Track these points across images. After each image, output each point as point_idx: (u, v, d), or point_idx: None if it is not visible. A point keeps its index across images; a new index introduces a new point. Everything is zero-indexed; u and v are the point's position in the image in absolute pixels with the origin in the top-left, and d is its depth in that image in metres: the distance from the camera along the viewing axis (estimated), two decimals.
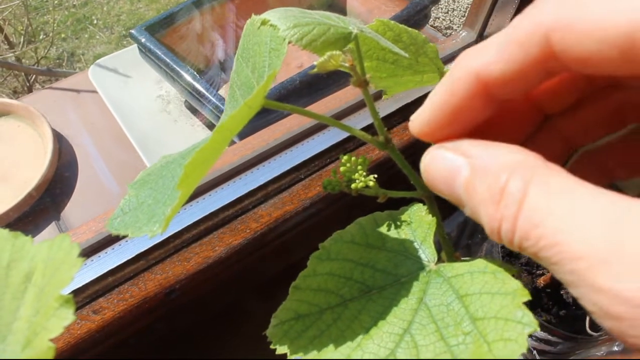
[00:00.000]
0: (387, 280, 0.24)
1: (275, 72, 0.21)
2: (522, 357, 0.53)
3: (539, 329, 0.21)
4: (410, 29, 0.28)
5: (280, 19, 0.23)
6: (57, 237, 0.22)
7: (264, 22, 0.23)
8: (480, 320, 0.20)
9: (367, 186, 0.25)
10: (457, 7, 0.97)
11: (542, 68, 0.16)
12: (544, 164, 0.17)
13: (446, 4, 0.98)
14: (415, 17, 0.79)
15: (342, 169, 0.26)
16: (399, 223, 0.26)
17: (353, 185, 0.25)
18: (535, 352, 0.51)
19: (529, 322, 0.19)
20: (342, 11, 0.95)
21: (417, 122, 0.21)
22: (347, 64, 0.23)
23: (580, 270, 0.14)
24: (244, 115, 0.20)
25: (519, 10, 0.58)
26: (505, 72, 0.17)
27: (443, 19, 1.01)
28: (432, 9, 0.86)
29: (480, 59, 0.17)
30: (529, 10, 0.16)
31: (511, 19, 0.59)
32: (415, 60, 0.28)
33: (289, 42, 0.23)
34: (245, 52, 0.25)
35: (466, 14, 0.65)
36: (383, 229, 0.26)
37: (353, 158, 0.26)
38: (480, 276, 0.21)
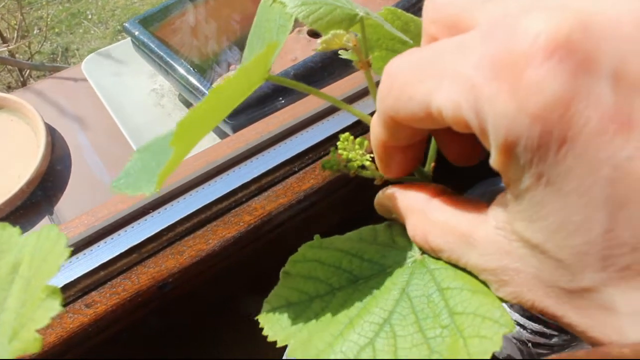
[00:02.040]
0: (373, 270, 0.24)
1: (278, 44, 0.22)
2: (517, 349, 0.53)
3: (514, 330, 0.22)
4: (417, 18, 0.28)
5: None
6: (44, 228, 0.22)
7: (274, 0, 0.24)
8: (458, 314, 0.21)
9: (363, 167, 0.25)
10: None
11: (405, 130, 0.21)
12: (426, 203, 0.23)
13: None
14: (410, 10, 0.79)
15: (339, 145, 0.26)
16: (393, 226, 0.26)
17: (350, 164, 0.25)
18: (530, 344, 0.51)
19: (506, 323, 0.19)
20: None
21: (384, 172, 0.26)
22: (350, 44, 0.24)
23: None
24: (243, 82, 0.20)
25: None
26: (388, 137, 0.22)
27: None
28: None
29: (373, 131, 0.23)
30: (378, 96, 0.21)
31: None
32: None
33: (296, 19, 0.23)
34: (257, 29, 0.26)
35: None
36: (379, 231, 0.26)
37: (351, 137, 0.26)
38: (463, 274, 0.22)
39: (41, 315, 0.19)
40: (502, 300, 0.20)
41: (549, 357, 0.17)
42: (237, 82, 0.20)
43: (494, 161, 0.17)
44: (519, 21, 0.15)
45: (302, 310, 0.24)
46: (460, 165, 0.24)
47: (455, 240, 0.21)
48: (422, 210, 0.22)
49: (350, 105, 0.27)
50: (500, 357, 0.53)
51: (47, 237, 0.21)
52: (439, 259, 0.23)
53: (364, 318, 0.22)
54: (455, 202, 0.22)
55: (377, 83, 0.21)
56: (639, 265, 0.15)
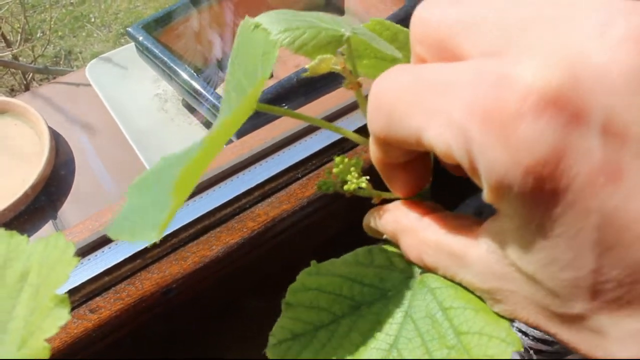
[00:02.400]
0: (375, 295, 0.24)
1: (265, 77, 0.21)
2: (518, 357, 0.53)
3: (522, 349, 0.22)
4: (406, 29, 0.28)
5: (272, 23, 0.23)
6: (52, 236, 0.22)
7: (256, 26, 0.24)
8: (464, 334, 0.21)
9: (360, 187, 0.25)
10: None
11: (399, 150, 0.21)
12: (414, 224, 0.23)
13: None
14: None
15: (335, 170, 0.26)
16: (388, 247, 0.26)
17: (346, 187, 0.25)
18: (532, 351, 0.51)
19: (512, 342, 0.20)
20: (340, 10, 0.95)
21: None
22: (338, 67, 0.23)
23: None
24: (235, 121, 0.20)
25: None
26: (384, 156, 0.22)
27: None
28: None
29: (372, 153, 0.23)
30: (368, 119, 0.21)
31: None
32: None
33: (281, 46, 0.23)
34: (239, 55, 0.25)
35: None
36: (374, 253, 0.26)
37: (346, 159, 0.25)
38: (464, 292, 0.21)
39: (50, 324, 0.20)
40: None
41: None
42: (228, 126, 0.20)
43: (486, 198, 0.17)
44: (508, 70, 0.15)
45: (308, 341, 0.23)
46: (460, 175, 0.24)
47: (449, 259, 0.21)
48: (414, 230, 0.23)
49: (333, 124, 0.26)
50: None
51: (55, 245, 0.22)
52: (437, 275, 0.23)
53: (370, 345, 0.22)
54: (447, 220, 0.22)
55: (367, 97, 0.21)
56: (628, 296, 0.16)
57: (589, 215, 0.15)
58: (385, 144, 0.21)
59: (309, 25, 0.24)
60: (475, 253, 0.20)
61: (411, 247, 0.23)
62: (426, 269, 0.23)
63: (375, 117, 0.20)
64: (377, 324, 0.23)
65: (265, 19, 0.24)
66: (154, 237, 0.18)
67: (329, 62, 0.23)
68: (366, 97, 0.21)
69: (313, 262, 0.26)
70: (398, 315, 0.23)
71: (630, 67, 0.15)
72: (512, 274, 0.18)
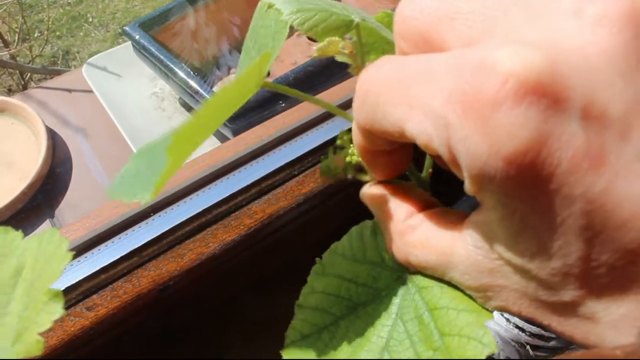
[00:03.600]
0: (369, 295, 0.24)
1: (275, 52, 0.22)
2: (517, 354, 0.53)
3: (496, 351, 0.22)
4: None
5: (285, 3, 0.24)
6: (47, 232, 0.22)
7: (270, 6, 0.24)
8: (447, 336, 0.21)
9: (361, 169, 0.25)
10: None
11: (382, 139, 0.21)
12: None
13: None
14: None
15: (338, 141, 0.26)
16: (378, 231, 0.26)
17: (347, 158, 0.25)
18: (528, 347, 0.51)
19: (489, 343, 0.20)
20: None
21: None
22: (346, 51, 0.24)
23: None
24: (238, 92, 0.20)
25: None
26: (367, 144, 0.22)
27: None
28: None
29: (354, 137, 0.22)
30: (353, 107, 0.21)
31: None
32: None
33: (291, 26, 0.23)
34: (253, 34, 0.26)
35: None
36: (366, 239, 0.26)
37: (349, 135, 0.26)
38: (450, 290, 0.22)
39: (44, 319, 0.20)
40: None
41: (547, 359, 0.18)
42: (232, 91, 0.20)
43: (467, 189, 0.17)
44: (487, 57, 0.15)
45: (313, 342, 0.24)
46: (446, 168, 0.24)
47: (437, 259, 0.20)
48: (399, 233, 0.22)
49: (345, 111, 0.26)
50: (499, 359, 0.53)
51: (50, 241, 0.22)
52: (425, 275, 0.23)
53: (364, 348, 0.22)
54: (434, 218, 0.21)
55: None
56: (618, 280, 0.15)
57: (574, 202, 0.15)
58: (368, 133, 0.21)
59: (320, 8, 0.24)
60: (461, 250, 0.19)
61: (398, 248, 0.22)
62: (414, 270, 0.23)
63: (360, 106, 0.20)
64: (370, 326, 0.23)
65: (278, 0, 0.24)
66: (148, 197, 0.18)
67: (337, 45, 0.23)
68: None
69: (318, 260, 0.26)
70: (389, 317, 0.23)
71: (607, 47, 0.15)
72: (500, 267, 0.18)
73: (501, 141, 0.15)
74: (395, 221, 0.22)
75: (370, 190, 0.25)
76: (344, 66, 0.26)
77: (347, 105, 0.54)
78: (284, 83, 0.68)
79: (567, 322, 0.17)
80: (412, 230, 0.22)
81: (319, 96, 0.55)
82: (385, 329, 0.23)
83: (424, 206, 0.23)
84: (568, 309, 0.17)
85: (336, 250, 0.26)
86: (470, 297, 0.21)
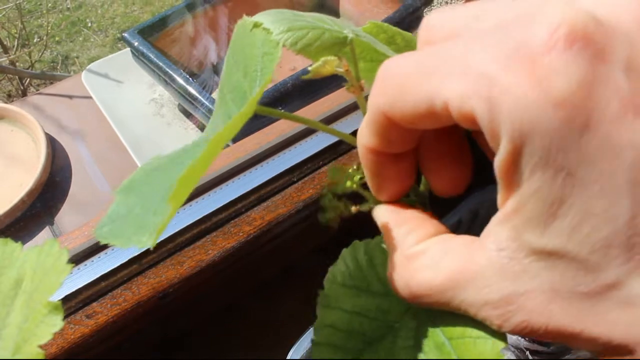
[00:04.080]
0: (383, 330, 0.23)
1: (269, 79, 0.21)
2: (514, 357, 0.53)
3: None
4: (403, 31, 0.28)
5: (274, 22, 0.23)
6: (46, 243, 0.22)
7: (256, 25, 0.23)
8: None
9: (361, 198, 0.25)
10: None
11: (400, 130, 0.20)
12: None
13: (439, 6, 0.99)
14: (408, 19, 0.80)
15: (329, 176, 0.25)
16: (374, 258, 0.25)
17: (348, 184, 0.25)
18: (528, 352, 0.51)
19: None
20: (335, 13, 0.95)
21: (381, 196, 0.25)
22: (342, 69, 0.23)
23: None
24: (238, 125, 0.20)
25: None
26: (380, 141, 0.21)
27: None
28: (425, 10, 0.86)
29: (362, 138, 0.22)
30: (372, 92, 0.20)
31: None
32: None
33: (283, 46, 0.22)
34: (236, 55, 0.24)
35: None
36: (365, 269, 0.25)
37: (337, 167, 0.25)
38: (460, 319, 0.21)
39: (43, 331, 0.20)
40: (508, 332, 0.19)
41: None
42: (233, 128, 0.19)
43: (503, 159, 0.16)
44: (534, 16, 0.16)
45: None
46: (445, 196, 0.24)
47: (445, 281, 0.19)
48: (407, 258, 0.21)
49: (330, 127, 0.26)
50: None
51: (49, 252, 0.22)
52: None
53: None
54: (446, 241, 0.21)
55: (367, 99, 0.21)
56: None
57: (623, 152, 0.14)
58: (385, 122, 0.20)
59: (312, 25, 0.23)
60: (480, 261, 0.18)
61: (400, 277, 0.21)
62: (413, 301, 0.21)
63: (383, 88, 0.20)
64: None
65: (265, 17, 0.23)
66: (149, 243, 0.18)
67: (333, 65, 0.23)
68: (367, 98, 0.21)
69: (321, 292, 0.25)
70: (408, 350, 0.22)
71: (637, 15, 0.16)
72: (529, 265, 0.17)
73: (552, 83, 0.15)
74: (403, 248, 0.22)
75: (379, 212, 0.24)
76: None
77: (346, 111, 0.54)
78: (282, 89, 0.68)
79: (604, 318, 0.16)
80: (419, 256, 0.21)
81: (309, 108, 0.55)
82: None
83: (433, 233, 0.22)
84: (608, 297, 0.16)
85: (335, 279, 0.25)
86: (480, 323, 0.20)
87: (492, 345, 0.20)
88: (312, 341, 0.24)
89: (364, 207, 0.25)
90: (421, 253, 0.21)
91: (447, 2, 0.97)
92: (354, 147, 0.26)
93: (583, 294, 0.16)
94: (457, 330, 0.21)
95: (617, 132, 0.14)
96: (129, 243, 0.19)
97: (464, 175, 0.23)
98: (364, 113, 0.25)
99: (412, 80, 0.18)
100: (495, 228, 0.18)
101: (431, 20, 0.20)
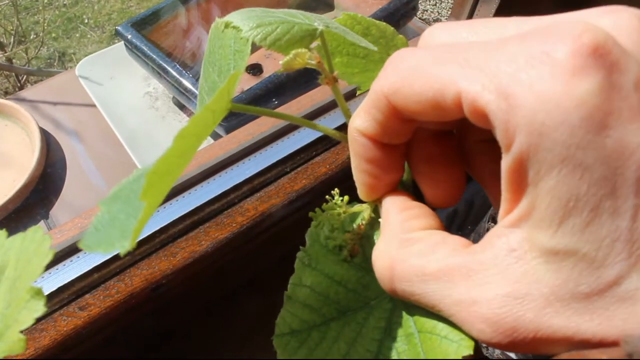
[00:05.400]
0: (358, 303, 0.24)
1: (239, 74, 0.21)
2: (514, 356, 0.53)
3: None
4: (378, 22, 0.28)
5: (243, 20, 0.23)
6: (30, 230, 0.22)
7: (227, 25, 0.23)
8: None
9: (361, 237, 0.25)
10: None
11: (398, 119, 0.21)
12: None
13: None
14: (403, 10, 0.79)
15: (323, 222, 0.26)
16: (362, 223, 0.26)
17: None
18: None
19: None
20: (329, 4, 0.95)
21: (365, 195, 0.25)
22: (314, 62, 0.23)
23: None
24: (208, 119, 0.19)
25: (502, 2, 0.58)
26: (376, 128, 0.21)
27: (431, 11, 1.01)
28: (420, 1, 0.86)
29: (357, 121, 0.22)
30: (378, 76, 0.20)
31: (495, 10, 0.59)
32: (386, 53, 0.28)
33: (253, 43, 0.22)
34: (212, 56, 0.25)
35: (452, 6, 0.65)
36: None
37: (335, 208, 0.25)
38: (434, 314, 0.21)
39: (25, 316, 0.19)
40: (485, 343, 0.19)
41: (542, 359, 0.17)
42: (203, 122, 0.19)
43: (516, 157, 0.17)
44: (555, 28, 0.17)
45: (304, 339, 0.24)
46: (441, 207, 0.24)
47: (436, 273, 0.19)
48: (396, 245, 0.21)
49: (313, 122, 0.26)
50: (493, 357, 0.53)
51: (32, 239, 0.22)
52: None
53: (354, 357, 0.22)
54: (442, 235, 0.21)
55: (346, 95, 0.21)
56: None
57: (634, 153, 0.15)
58: (385, 107, 0.20)
59: (281, 20, 0.23)
60: (484, 260, 0.18)
61: (385, 267, 0.21)
62: (396, 295, 0.21)
63: (391, 72, 0.20)
64: (359, 337, 0.23)
65: (235, 16, 0.23)
66: (127, 246, 0.18)
67: (304, 57, 0.23)
68: (345, 94, 0.21)
69: (303, 249, 0.26)
70: (378, 330, 0.23)
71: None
72: (535, 268, 0.17)
73: (575, 84, 0.15)
74: (400, 231, 0.22)
75: (386, 198, 0.24)
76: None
77: (323, 110, 0.53)
78: (278, 81, 0.68)
79: (603, 315, 0.16)
80: (415, 242, 0.21)
81: (291, 104, 0.54)
82: (374, 344, 0.22)
83: (433, 226, 0.22)
84: (607, 295, 0.16)
85: (318, 239, 0.26)
86: (452, 323, 0.20)
87: (456, 349, 0.20)
88: (285, 294, 0.25)
89: (365, 219, 0.25)
90: (418, 240, 0.21)
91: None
92: (339, 141, 0.26)
93: (583, 294, 0.16)
94: (429, 324, 0.21)
95: (630, 133, 0.15)
96: (112, 249, 0.19)
97: (457, 182, 0.24)
98: (341, 104, 0.25)
99: (424, 68, 0.19)
100: (507, 230, 0.18)
101: (435, 30, 0.21)
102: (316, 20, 0.24)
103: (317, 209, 0.26)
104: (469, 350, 0.20)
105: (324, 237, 0.25)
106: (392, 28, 0.28)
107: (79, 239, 0.21)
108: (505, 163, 0.17)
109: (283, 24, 0.23)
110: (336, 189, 0.26)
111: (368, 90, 0.31)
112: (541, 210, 0.17)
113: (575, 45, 0.16)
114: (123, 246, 0.18)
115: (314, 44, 0.24)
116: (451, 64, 0.18)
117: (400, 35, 0.28)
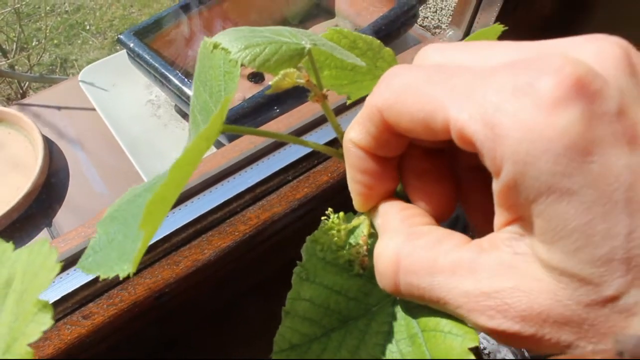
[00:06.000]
0: (360, 311, 0.24)
1: (230, 98, 0.21)
2: (512, 355, 0.53)
3: None
4: (365, 35, 0.28)
5: (231, 42, 0.23)
6: (37, 243, 0.22)
7: (215, 46, 0.24)
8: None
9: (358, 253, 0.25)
10: (446, 6, 0.97)
11: (391, 133, 0.21)
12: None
13: (434, 4, 0.99)
14: (404, 17, 0.80)
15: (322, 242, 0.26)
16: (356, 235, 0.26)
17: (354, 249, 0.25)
18: (525, 351, 0.51)
19: None
20: (330, 12, 0.95)
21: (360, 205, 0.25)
22: (302, 80, 0.23)
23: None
24: (202, 147, 0.20)
25: (503, 8, 0.58)
26: (370, 141, 0.22)
27: (432, 18, 1.01)
28: (421, 8, 0.87)
29: (352, 133, 0.22)
30: (373, 91, 0.21)
31: (496, 18, 0.59)
32: (374, 65, 0.29)
33: (242, 65, 0.23)
34: (202, 76, 0.25)
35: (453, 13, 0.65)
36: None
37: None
38: (437, 311, 0.21)
39: (33, 329, 0.20)
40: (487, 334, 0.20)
41: (548, 358, 0.17)
42: (195, 151, 0.19)
43: (505, 184, 0.17)
44: (540, 60, 0.17)
45: (304, 352, 0.24)
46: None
47: (445, 267, 0.20)
48: (403, 238, 0.21)
49: (301, 138, 0.26)
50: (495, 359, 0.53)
51: (39, 252, 0.22)
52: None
53: None
54: (443, 231, 0.21)
55: (335, 110, 0.21)
56: None
57: (621, 174, 0.16)
58: (378, 121, 0.21)
59: (269, 40, 0.23)
60: (489, 258, 0.19)
61: (389, 262, 0.21)
62: (396, 292, 0.21)
63: (386, 86, 0.20)
64: (362, 343, 0.23)
65: (223, 37, 0.24)
66: (128, 271, 0.18)
67: (293, 77, 0.23)
68: (333, 109, 0.21)
69: (300, 264, 0.26)
70: (382, 335, 0.23)
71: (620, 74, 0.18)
72: (538, 270, 0.18)
73: (558, 115, 0.16)
74: (407, 224, 0.22)
75: (380, 205, 0.24)
76: None
77: (314, 125, 0.54)
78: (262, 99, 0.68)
79: (604, 325, 0.17)
80: (423, 235, 0.21)
81: (280, 119, 0.54)
82: (378, 349, 0.22)
83: (431, 224, 0.22)
84: (606, 307, 0.17)
85: (315, 252, 0.26)
86: (454, 319, 0.20)
87: (461, 342, 0.20)
88: (283, 310, 0.25)
89: (365, 232, 0.25)
90: (424, 234, 0.21)
91: (441, 0, 0.97)
92: (330, 156, 0.26)
93: (584, 303, 0.17)
94: (432, 322, 0.21)
95: (615, 157, 0.16)
96: (111, 272, 0.19)
97: (448, 198, 0.24)
98: (331, 120, 0.25)
99: (417, 86, 0.19)
100: (510, 235, 0.19)
101: (429, 49, 0.21)
102: (304, 38, 0.24)
103: (315, 233, 0.26)
104: (474, 342, 0.20)
105: (331, 257, 0.25)
106: (378, 41, 0.29)
107: (80, 261, 0.21)
108: (496, 187, 0.18)
109: (271, 45, 0.23)
110: (330, 209, 0.27)
111: (358, 100, 0.32)
112: (535, 230, 0.17)
113: (558, 78, 0.16)
114: (123, 270, 0.18)
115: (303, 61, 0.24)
116: (442, 86, 0.19)
117: (387, 48, 0.29)
